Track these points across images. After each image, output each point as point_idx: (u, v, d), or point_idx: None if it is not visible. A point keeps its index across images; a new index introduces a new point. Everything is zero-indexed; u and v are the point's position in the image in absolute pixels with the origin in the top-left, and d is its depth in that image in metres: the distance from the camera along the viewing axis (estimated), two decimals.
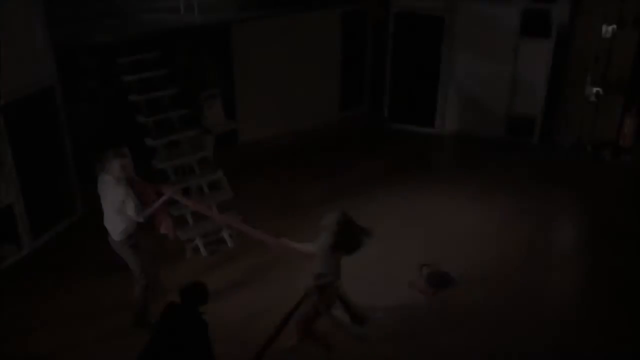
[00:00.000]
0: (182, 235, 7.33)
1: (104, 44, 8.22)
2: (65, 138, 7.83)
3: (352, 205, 8.45)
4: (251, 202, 8.50)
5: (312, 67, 10.50)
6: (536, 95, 10.11)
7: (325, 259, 5.45)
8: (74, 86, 7.86)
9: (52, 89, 7.53)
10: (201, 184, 7.95)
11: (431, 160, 10.21)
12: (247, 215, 7.60)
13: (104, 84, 8.04)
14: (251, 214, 8.16)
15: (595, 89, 9.38)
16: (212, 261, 7.39)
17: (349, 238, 5.45)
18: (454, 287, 6.90)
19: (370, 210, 8.42)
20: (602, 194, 8.92)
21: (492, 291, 6.87)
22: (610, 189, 9.05)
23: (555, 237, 8.17)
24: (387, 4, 10.48)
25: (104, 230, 5.91)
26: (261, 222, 8.05)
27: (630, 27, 9.03)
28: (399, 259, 7.37)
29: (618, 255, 7.46)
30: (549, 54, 9.80)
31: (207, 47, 8.83)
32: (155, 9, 9.49)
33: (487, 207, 8.53)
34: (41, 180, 7.58)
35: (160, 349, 4.63)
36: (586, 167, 9.67)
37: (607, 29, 9.03)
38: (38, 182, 7.50)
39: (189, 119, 8.57)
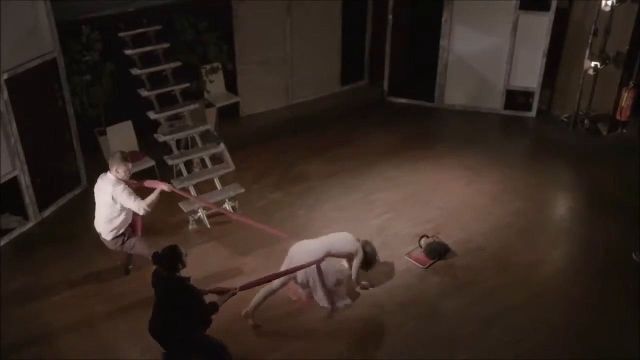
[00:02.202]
0: (186, 207, 7.46)
1: (105, 17, 8.24)
2: (69, 111, 7.91)
3: (352, 178, 8.64)
4: (253, 175, 8.63)
5: (312, 41, 10.50)
6: (534, 68, 10.16)
7: None
8: (76, 60, 7.90)
9: (55, 62, 7.58)
10: (203, 157, 8.06)
11: (430, 133, 10.29)
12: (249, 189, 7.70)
13: (106, 58, 8.08)
14: (252, 187, 8.31)
15: (593, 63, 9.42)
16: (214, 233, 7.52)
17: None
18: (451, 257, 7.06)
19: (369, 182, 8.57)
20: (598, 167, 9.03)
21: (488, 261, 7.02)
22: (606, 163, 9.15)
23: (550, 210, 8.29)
24: None
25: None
26: (263, 195, 8.23)
27: (629, 1, 9.04)
28: (397, 230, 7.52)
29: (611, 227, 7.59)
30: (548, 28, 9.83)
31: (208, 20, 8.85)
32: None
33: (484, 179, 8.65)
34: (46, 153, 7.67)
35: (161, 310, 5.00)
36: (583, 141, 9.76)
37: (607, 3, 9.03)
38: (43, 155, 7.59)
39: (191, 92, 8.64)
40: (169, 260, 4.88)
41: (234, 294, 5.28)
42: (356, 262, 6.26)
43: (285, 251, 6.72)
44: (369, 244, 6.41)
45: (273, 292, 6.04)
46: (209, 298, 5.12)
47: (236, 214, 7.51)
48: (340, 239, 6.27)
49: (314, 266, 6.00)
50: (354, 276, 6.33)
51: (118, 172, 5.97)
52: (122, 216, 6.11)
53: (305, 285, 6.21)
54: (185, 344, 5.02)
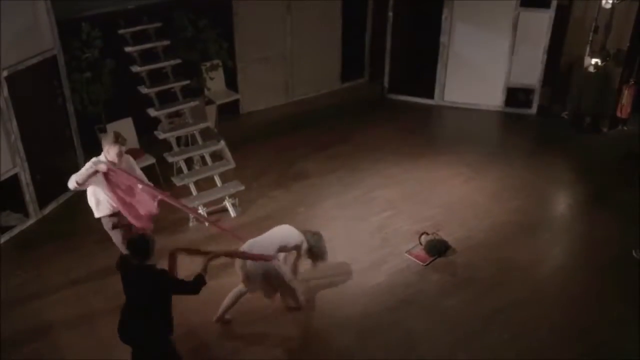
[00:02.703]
0: (186, 204, 7.45)
1: (105, 14, 8.24)
2: (69, 108, 7.91)
3: (352, 175, 8.64)
4: (253, 172, 8.63)
5: (313, 38, 10.50)
6: (535, 66, 10.15)
7: None
8: (76, 57, 7.90)
9: (55, 60, 7.59)
10: (204, 155, 8.07)
11: (430, 131, 10.30)
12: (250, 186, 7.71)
13: (106, 55, 8.08)
14: (253, 184, 8.32)
15: (594, 60, 9.42)
16: (214, 230, 7.51)
17: None
18: (451, 255, 7.07)
19: (369, 180, 8.57)
20: (599, 164, 9.02)
21: (488, 258, 7.02)
22: (607, 160, 9.14)
23: (550, 207, 8.29)
24: None
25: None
26: (263, 193, 8.23)
27: None
28: (397, 228, 7.53)
29: (611, 225, 7.59)
30: (548, 25, 9.82)
31: (208, 17, 8.84)
32: None
33: (484, 176, 8.65)
34: (46, 151, 7.67)
35: (134, 306, 4.86)
36: (583, 138, 9.75)
37: (607, 0, 9.02)
38: (43, 152, 7.59)
39: (191, 89, 8.64)
40: (144, 248, 4.74)
41: (213, 257, 5.11)
42: (299, 254, 6.03)
43: None
44: (315, 234, 6.14)
45: (242, 294, 5.94)
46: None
47: (204, 214, 7.44)
48: (286, 231, 6.04)
49: (276, 268, 5.84)
50: (292, 269, 6.09)
51: (109, 153, 5.78)
52: (91, 189, 5.91)
53: (272, 291, 6.02)
54: (157, 343, 4.89)
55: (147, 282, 4.72)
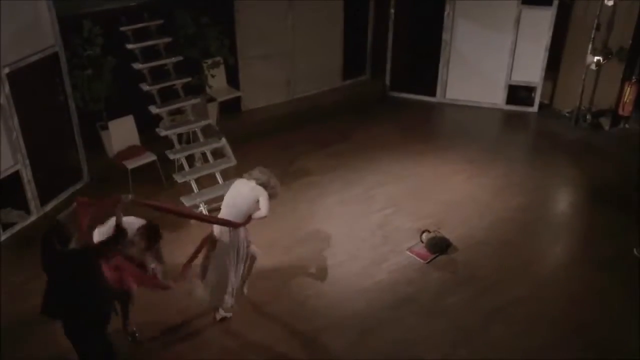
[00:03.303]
0: (187, 201, 7.47)
1: (107, 11, 8.23)
2: (70, 105, 7.91)
3: (353, 173, 8.64)
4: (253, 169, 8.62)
5: (314, 35, 10.48)
6: (536, 63, 10.14)
7: None
8: (78, 54, 7.90)
9: (56, 57, 7.59)
10: (205, 152, 8.07)
11: (431, 128, 10.29)
12: None
13: (108, 52, 8.08)
14: None
15: (596, 58, 9.41)
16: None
17: None
18: (453, 252, 7.06)
19: (370, 177, 8.57)
20: (600, 162, 9.01)
21: (489, 256, 7.03)
22: (608, 158, 9.14)
23: (552, 204, 8.29)
24: None
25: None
26: None
27: None
28: (398, 225, 7.53)
29: (613, 223, 7.58)
30: (550, 22, 9.80)
31: (209, 15, 8.83)
32: None
33: (486, 173, 8.64)
34: (47, 148, 7.68)
35: (69, 289, 4.85)
36: (585, 136, 9.74)
37: None
38: (44, 149, 7.60)
39: (192, 87, 8.64)
40: (67, 236, 4.77)
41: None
42: (264, 201, 5.83)
43: (285, 246, 6.75)
44: (261, 171, 6.03)
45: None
46: None
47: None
48: (244, 190, 5.85)
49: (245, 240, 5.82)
50: (265, 213, 5.86)
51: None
52: None
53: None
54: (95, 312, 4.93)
55: (80, 259, 4.78)
